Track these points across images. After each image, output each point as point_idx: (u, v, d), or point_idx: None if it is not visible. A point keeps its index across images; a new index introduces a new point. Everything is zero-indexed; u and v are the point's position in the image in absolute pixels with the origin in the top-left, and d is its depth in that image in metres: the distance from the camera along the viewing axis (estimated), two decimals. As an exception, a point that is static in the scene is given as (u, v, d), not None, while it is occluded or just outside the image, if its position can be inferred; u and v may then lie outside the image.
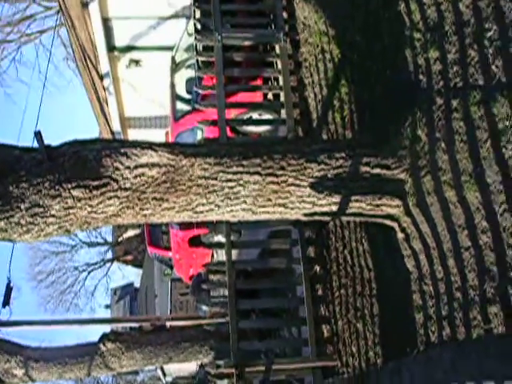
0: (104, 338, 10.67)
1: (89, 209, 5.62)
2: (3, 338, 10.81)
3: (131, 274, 46.72)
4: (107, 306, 44.40)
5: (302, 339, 9.47)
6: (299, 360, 9.21)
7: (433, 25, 5.95)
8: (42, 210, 5.48)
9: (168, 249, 17.38)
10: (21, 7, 34.42)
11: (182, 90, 13.74)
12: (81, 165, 5.62)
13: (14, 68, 44.71)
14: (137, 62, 16.42)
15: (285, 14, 10.94)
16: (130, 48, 16.18)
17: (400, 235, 6.58)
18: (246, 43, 10.97)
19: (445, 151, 5.65)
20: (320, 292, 9.58)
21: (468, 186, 5.32)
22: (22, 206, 5.43)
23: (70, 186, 5.51)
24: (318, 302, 9.40)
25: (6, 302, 10.78)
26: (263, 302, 10.08)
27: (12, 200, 5.41)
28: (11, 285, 11.24)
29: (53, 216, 5.53)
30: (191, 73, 12.73)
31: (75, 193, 5.52)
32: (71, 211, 5.58)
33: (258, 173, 6.07)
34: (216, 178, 5.98)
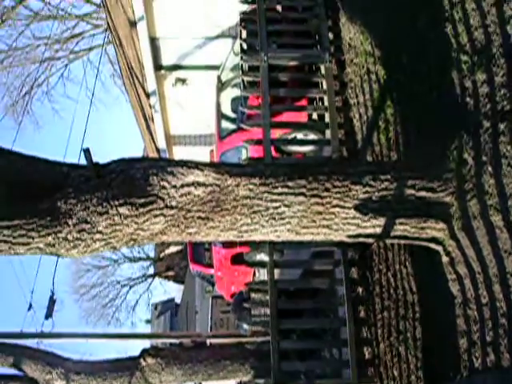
0: (144, 352, 10.74)
1: (135, 226, 5.70)
2: (45, 350, 10.98)
3: (172, 290, 46.96)
4: (148, 321, 44.73)
5: (343, 361, 9.40)
6: (339, 382, 9.16)
7: (480, 47, 5.92)
8: (89, 226, 5.57)
9: (210, 266, 17.42)
10: (69, 25, 35.26)
11: (227, 109, 13.85)
12: (128, 183, 5.71)
13: (61, 84, 45.53)
14: (183, 81, 16.60)
15: (330, 35, 10.98)
16: (176, 67, 16.38)
17: (445, 259, 6.51)
18: (292, 63, 11.03)
19: (491, 175, 5.60)
20: (362, 314, 9.52)
21: (515, 211, 5.26)
22: (70, 222, 5.53)
23: (117, 203, 5.60)
24: (359, 324, 9.34)
25: (49, 314, 10.97)
26: (305, 322, 10.05)
27: (60, 216, 5.52)
28: (54, 297, 11.43)
29: (99, 232, 5.62)
30: (237, 92, 12.83)
31: (122, 210, 5.61)
32: (118, 228, 5.66)
33: (302, 194, 6.09)
34: (261, 199, 6.01)
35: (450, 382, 6.54)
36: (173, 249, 38.69)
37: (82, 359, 11.38)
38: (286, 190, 6.07)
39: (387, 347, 8.58)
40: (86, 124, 15.33)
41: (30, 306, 13.06)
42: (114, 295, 47.56)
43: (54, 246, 5.59)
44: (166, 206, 5.74)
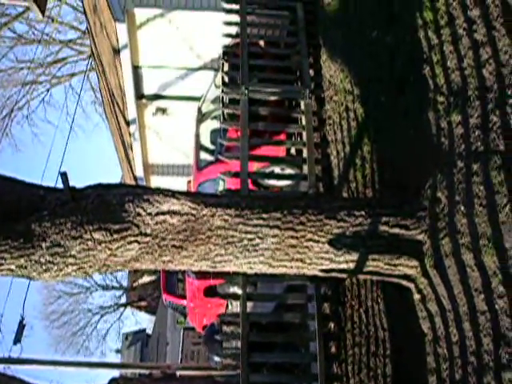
0: (113, 382, 10.61)
1: (108, 252, 5.68)
2: (13, 375, 10.79)
3: (144, 320, 46.62)
4: (118, 351, 44.25)
5: (313, 396, 9.36)
6: (309, 417, 9.09)
7: (456, 89, 6.04)
8: (62, 249, 5.55)
9: (183, 297, 17.32)
10: (53, 50, 35.33)
11: (206, 141, 13.92)
12: (104, 208, 5.71)
13: (42, 108, 45.45)
14: (163, 111, 16.66)
15: (311, 72, 11.13)
16: (157, 96, 16.44)
17: (416, 296, 6.56)
18: (272, 98, 11.14)
19: (464, 214, 5.68)
20: (333, 349, 9.50)
21: (486, 250, 5.32)
22: (43, 245, 5.51)
23: (91, 227, 5.59)
24: (330, 360, 9.32)
25: (18, 339, 10.82)
26: (276, 356, 9.99)
27: (34, 238, 5.50)
28: (24, 322, 11.29)
29: (73, 257, 5.60)
30: (216, 124, 12.91)
31: (96, 235, 5.60)
32: (91, 253, 5.64)
33: (277, 227, 6.12)
34: (236, 230, 6.04)
35: (418, 421, 6.54)
36: (146, 279, 38.46)
37: (49, 387, 11.22)
38: (260, 222, 6.10)
39: (357, 383, 8.56)
40: (65, 149, 15.34)
41: (-1, 329, 12.89)
42: (85, 323, 47.11)
43: (25, 268, 5.55)
44: (141, 233, 5.74)
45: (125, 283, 45.33)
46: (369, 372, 8.17)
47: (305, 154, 10.21)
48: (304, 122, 10.43)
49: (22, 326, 11.16)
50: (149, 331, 39.92)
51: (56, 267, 5.61)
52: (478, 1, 5.71)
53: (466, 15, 5.90)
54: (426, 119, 6.57)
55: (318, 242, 6.22)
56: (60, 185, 5.89)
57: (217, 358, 12.82)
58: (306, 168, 10.13)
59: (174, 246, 5.88)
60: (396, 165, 7.50)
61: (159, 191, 6.03)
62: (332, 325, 9.65)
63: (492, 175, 5.30)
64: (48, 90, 37.05)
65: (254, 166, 10.80)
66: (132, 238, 5.71)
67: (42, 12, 11.38)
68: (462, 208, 5.72)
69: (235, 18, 11.66)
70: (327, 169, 10.25)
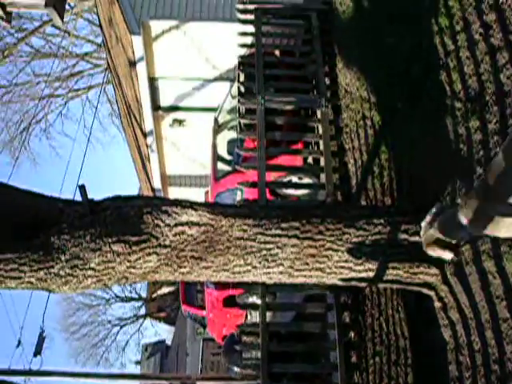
0: (134, 394, 10.61)
1: (127, 264, 5.70)
2: (33, 388, 10.84)
3: (163, 331, 46.67)
4: (137, 362, 44.30)
5: (334, 406, 9.31)
6: (330, 428, 9.04)
7: (474, 94, 6.00)
8: (81, 262, 5.58)
9: (202, 308, 17.30)
10: (70, 63, 35.62)
11: (223, 151, 13.93)
12: (122, 220, 5.73)
13: (60, 122, 45.75)
14: (180, 122, 16.71)
15: (327, 80, 11.11)
16: (174, 108, 16.51)
17: (437, 304, 6.51)
18: (288, 107, 11.14)
19: (484, 221, 5.63)
20: (354, 359, 9.44)
21: (507, 257, 5.27)
22: (63, 258, 5.53)
23: (110, 240, 5.61)
24: (351, 369, 9.26)
25: (38, 352, 10.85)
26: (296, 367, 9.94)
27: (53, 251, 5.52)
28: (44, 334, 11.34)
29: (92, 269, 5.62)
30: (233, 134, 12.91)
31: (115, 247, 5.62)
32: (110, 265, 5.66)
33: (296, 236, 6.10)
34: (254, 240, 6.03)
35: (442, 430, 6.47)
36: (165, 290, 38.55)
37: (70, 399, 11.23)
38: (279, 231, 6.08)
39: (378, 393, 8.51)
40: (83, 162, 15.41)
41: (19, 342, 12.94)
42: (104, 335, 47.19)
43: (45, 281, 5.58)
44: (160, 245, 5.75)
45: (144, 294, 45.44)
46: (390, 381, 8.11)
47: (322, 162, 10.18)
48: (321, 131, 10.42)
49: (42, 339, 11.21)
50: (168, 342, 39.94)
51: (75, 280, 5.63)
52: (493, 6, 5.68)
53: (482, 20, 5.87)
54: (444, 125, 6.53)
55: (337, 250, 6.19)
56: (78, 197, 5.93)
57: (236, 369, 12.76)
58: (323, 177, 10.10)
59: (192, 257, 5.88)
60: (414, 172, 7.46)
61: (177, 202, 6.04)
62: (352, 334, 9.59)
63: None
64: (65, 104, 37.33)
65: (272, 176, 10.78)
66: (151, 250, 5.72)
67: (62, 18, 11.51)
68: (482, 215, 5.66)
69: (250, 28, 11.69)
70: (345, 177, 10.22)
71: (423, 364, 7.17)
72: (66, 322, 46.31)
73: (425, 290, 6.57)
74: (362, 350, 9.25)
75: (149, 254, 5.73)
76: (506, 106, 5.41)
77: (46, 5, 11.23)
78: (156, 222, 5.75)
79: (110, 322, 47.14)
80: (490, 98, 5.68)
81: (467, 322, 5.98)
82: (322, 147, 10.29)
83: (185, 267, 5.92)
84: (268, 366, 8.82)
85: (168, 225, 5.78)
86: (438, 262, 6.25)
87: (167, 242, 5.77)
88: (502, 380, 5.37)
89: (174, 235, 5.79)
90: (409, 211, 6.64)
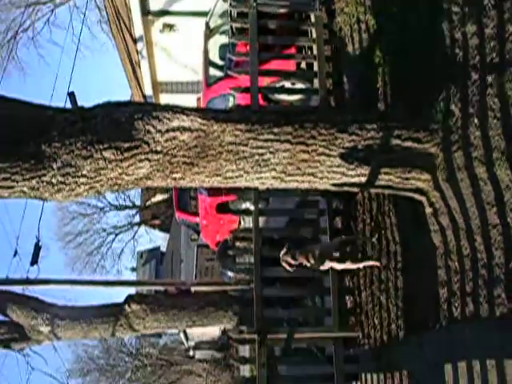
0: (129, 299, 10.78)
1: (119, 170, 5.68)
2: (31, 295, 11.01)
3: (158, 238, 47.09)
4: (133, 269, 44.91)
5: (325, 309, 9.52)
6: (321, 329, 9.26)
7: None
8: (73, 169, 5.55)
9: (196, 214, 17.46)
10: (56, -31, 34.47)
11: (215, 56, 13.71)
12: (113, 127, 5.68)
13: (47, 30, 44.65)
14: (171, 27, 16.39)
15: (321, -17, 10.82)
16: (164, 12, 16.15)
17: (428, 210, 6.55)
18: (281, 11, 10.87)
19: (477, 127, 5.60)
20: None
21: (499, 164, 5.27)
22: (54, 166, 5.50)
23: (101, 147, 5.57)
24: (342, 273, 9.40)
25: (35, 261, 10.95)
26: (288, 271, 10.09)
27: (44, 159, 5.49)
28: (40, 244, 11.42)
29: (84, 176, 5.60)
30: (225, 39, 12.68)
31: (106, 154, 5.58)
32: (102, 172, 5.64)
33: (288, 141, 6.07)
34: (246, 145, 6.00)
35: (430, 331, 6.64)
36: (159, 197, 38.73)
37: (67, 305, 11.42)
38: (271, 136, 6.05)
39: (369, 296, 8.68)
40: (72, 70, 15.11)
41: (16, 252, 13.05)
42: (100, 243, 47.59)
43: (38, 189, 5.57)
44: (151, 151, 5.71)
45: (138, 202, 45.61)
46: (380, 285, 8.27)
47: (315, 67, 10.03)
48: (314, 35, 10.21)
49: (38, 248, 11.28)
50: (163, 249, 40.40)
51: (68, 187, 5.62)
52: None
53: None
54: (440, 30, 6.40)
55: (329, 155, 6.17)
56: (68, 105, 5.85)
57: (230, 274, 12.99)
58: (316, 82, 9.98)
59: (184, 162, 5.86)
60: (409, 77, 7.36)
61: (168, 108, 5.96)
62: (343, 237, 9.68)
63: (507, 87, 5.19)
64: (52, 11, 36.28)
65: (264, 81, 10.63)
66: (142, 156, 5.69)
67: None
68: (476, 120, 5.63)
69: None
70: (338, 82, 10.10)
71: (413, 268, 7.28)
72: (61, 231, 46.65)
73: (416, 196, 6.60)
74: (353, 254, 9.36)
75: (141, 161, 5.70)
76: (504, 10, 5.28)
77: None
78: (147, 127, 5.70)
79: (105, 230, 47.49)
80: (488, 1, 5.54)
81: (457, 228, 6.04)
82: (315, 52, 10.11)
83: (177, 173, 5.90)
84: (261, 270, 8.95)
85: (159, 130, 5.73)
86: (430, 168, 6.26)
87: (159, 148, 5.73)
88: (490, 284, 5.47)
89: (166, 141, 5.75)
90: (402, 116, 6.60)
